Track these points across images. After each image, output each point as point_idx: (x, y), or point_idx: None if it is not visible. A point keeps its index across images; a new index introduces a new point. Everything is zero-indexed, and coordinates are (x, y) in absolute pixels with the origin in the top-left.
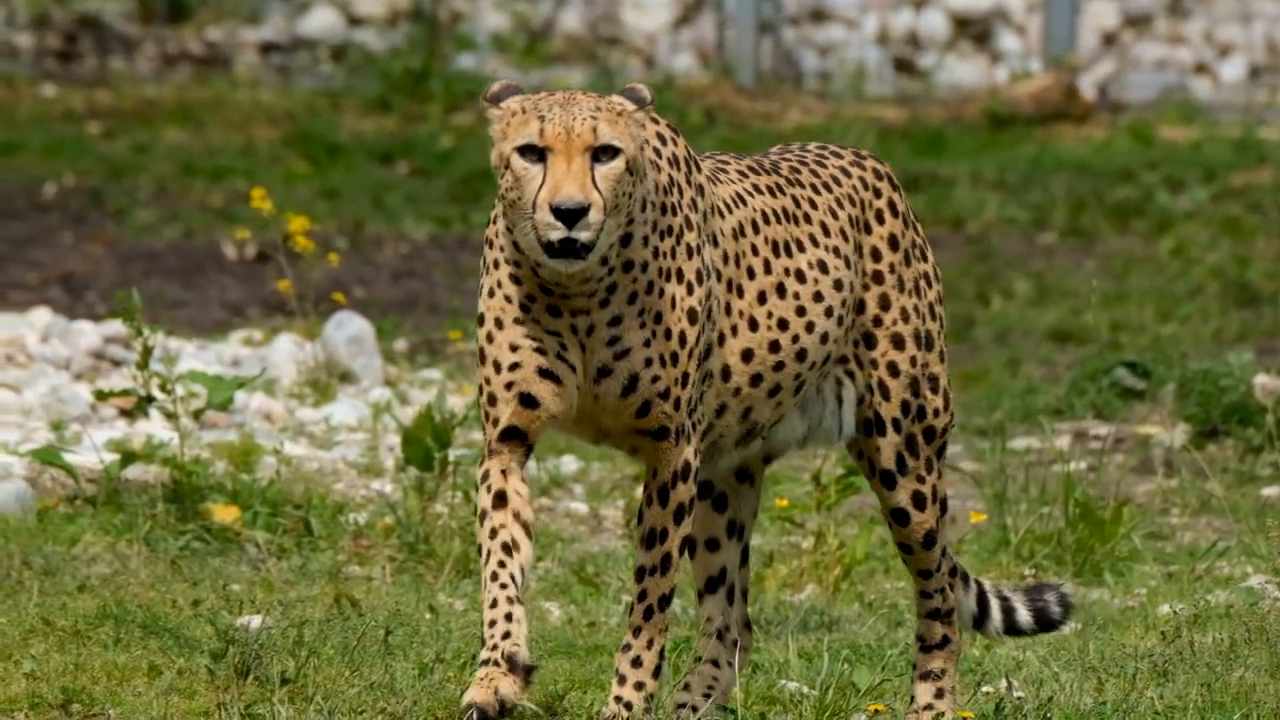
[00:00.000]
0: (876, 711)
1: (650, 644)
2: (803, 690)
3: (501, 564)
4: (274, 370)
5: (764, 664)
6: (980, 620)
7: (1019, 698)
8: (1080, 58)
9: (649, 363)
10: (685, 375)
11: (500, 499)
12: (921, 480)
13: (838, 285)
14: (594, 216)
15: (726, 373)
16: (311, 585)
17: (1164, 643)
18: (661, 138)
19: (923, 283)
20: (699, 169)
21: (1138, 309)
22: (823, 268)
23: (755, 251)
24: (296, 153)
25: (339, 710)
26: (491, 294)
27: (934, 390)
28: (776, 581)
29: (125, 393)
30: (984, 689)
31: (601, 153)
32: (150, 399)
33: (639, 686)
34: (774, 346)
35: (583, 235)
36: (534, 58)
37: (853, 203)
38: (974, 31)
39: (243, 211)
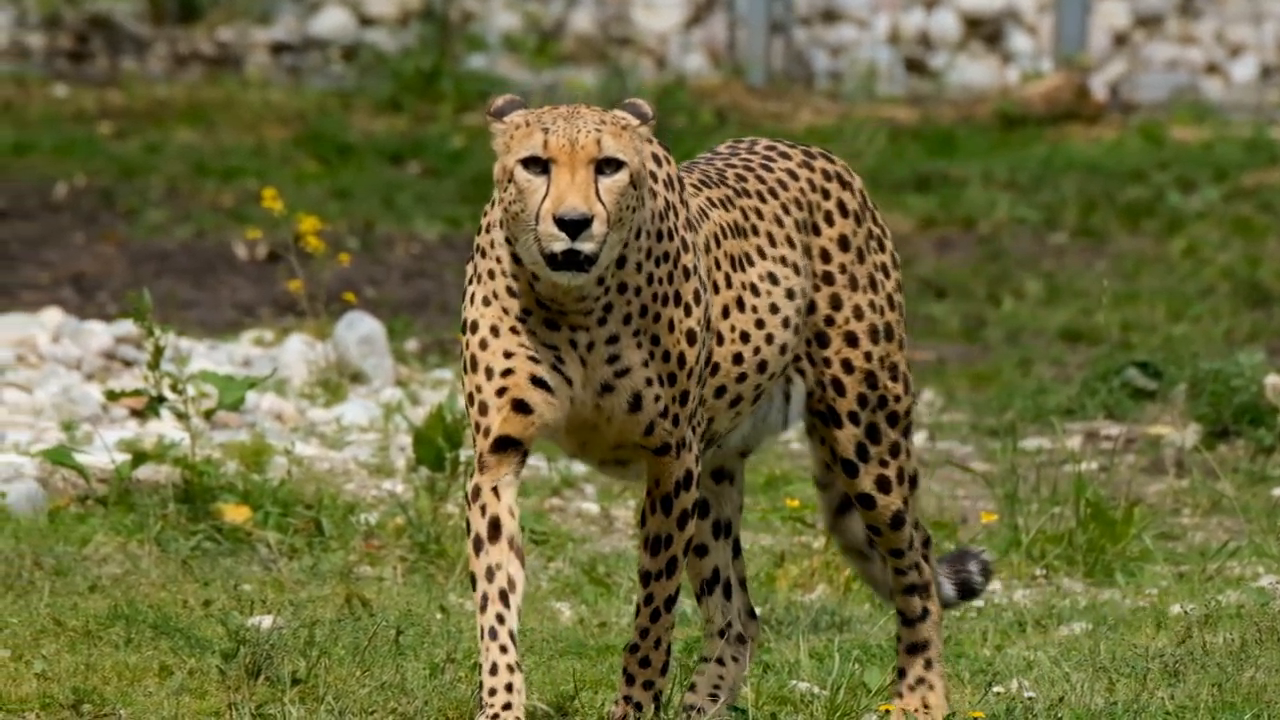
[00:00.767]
0: (887, 711)
1: (658, 643)
2: (814, 690)
3: (500, 618)
4: (285, 370)
5: (775, 664)
6: None
7: (1030, 698)
8: (1091, 58)
9: (649, 382)
10: (685, 393)
11: (495, 527)
12: (885, 464)
13: (789, 294)
14: (597, 228)
15: None
16: (323, 585)
17: (1175, 643)
18: (656, 159)
19: (879, 275)
20: (684, 187)
21: (1149, 309)
22: (773, 279)
23: (719, 265)
24: (307, 153)
25: (350, 710)
26: (487, 302)
27: (894, 378)
28: (788, 582)
29: (136, 393)
30: (995, 689)
31: (605, 165)
32: (161, 399)
33: (648, 685)
34: (737, 359)
35: (586, 247)
36: (545, 58)
37: (799, 206)
38: (985, 32)
39: (254, 211)
